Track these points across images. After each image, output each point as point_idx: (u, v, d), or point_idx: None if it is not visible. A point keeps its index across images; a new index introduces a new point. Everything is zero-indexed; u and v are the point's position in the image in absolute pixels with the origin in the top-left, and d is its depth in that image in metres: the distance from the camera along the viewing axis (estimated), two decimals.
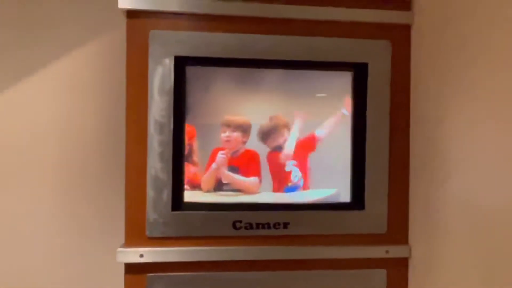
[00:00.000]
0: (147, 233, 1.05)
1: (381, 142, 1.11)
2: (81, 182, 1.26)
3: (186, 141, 1.09)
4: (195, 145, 1.11)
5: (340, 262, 1.11)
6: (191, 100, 1.10)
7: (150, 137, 1.04)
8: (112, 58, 1.24)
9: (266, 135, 1.13)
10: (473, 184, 0.88)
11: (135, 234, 1.05)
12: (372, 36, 1.11)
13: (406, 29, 1.12)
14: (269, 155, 1.14)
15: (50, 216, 1.25)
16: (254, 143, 1.13)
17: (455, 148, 0.94)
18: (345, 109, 1.13)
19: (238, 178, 1.13)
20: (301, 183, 1.14)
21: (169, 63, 1.05)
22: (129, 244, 1.05)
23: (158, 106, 1.05)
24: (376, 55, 1.11)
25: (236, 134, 1.12)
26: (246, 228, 1.07)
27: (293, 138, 1.13)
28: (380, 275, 1.12)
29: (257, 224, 1.08)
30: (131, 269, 1.05)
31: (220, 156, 1.11)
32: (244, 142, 1.12)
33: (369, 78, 1.11)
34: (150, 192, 1.05)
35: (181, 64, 1.07)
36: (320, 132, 1.14)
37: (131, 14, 1.04)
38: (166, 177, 1.05)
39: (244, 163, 1.13)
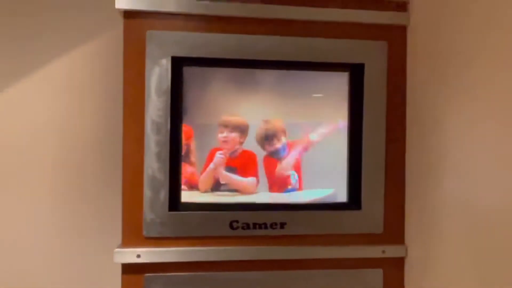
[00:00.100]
0: (144, 233, 1.05)
1: (377, 142, 1.11)
2: (79, 182, 1.25)
3: (184, 141, 1.09)
4: (193, 145, 1.11)
5: (337, 262, 1.11)
6: (188, 100, 1.10)
7: (147, 137, 1.05)
8: (109, 59, 1.24)
9: (263, 139, 1.13)
10: (469, 184, 0.88)
11: (132, 234, 1.05)
12: (368, 37, 1.11)
13: (402, 30, 1.13)
14: (265, 160, 1.14)
15: (47, 216, 1.25)
16: (251, 144, 1.13)
17: (451, 149, 0.94)
18: (342, 120, 1.13)
19: (236, 178, 1.13)
20: (297, 185, 1.15)
21: (166, 63, 1.05)
22: (126, 244, 1.05)
23: (155, 106, 1.05)
24: (373, 56, 1.11)
25: (234, 135, 1.12)
26: (243, 228, 1.08)
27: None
28: (376, 275, 1.12)
29: (254, 224, 1.08)
30: (128, 269, 1.05)
31: (218, 156, 1.11)
32: (242, 143, 1.13)
33: (366, 79, 1.11)
34: (147, 192, 1.05)
35: (178, 64, 1.07)
36: (314, 137, 1.14)
37: (128, 14, 1.04)
38: (163, 177, 1.05)
39: (242, 163, 1.13)
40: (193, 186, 1.11)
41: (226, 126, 1.12)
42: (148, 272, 1.05)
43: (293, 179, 1.14)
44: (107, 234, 1.21)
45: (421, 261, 1.06)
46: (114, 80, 1.20)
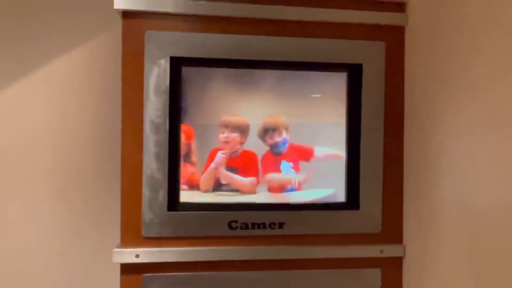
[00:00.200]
0: (143, 233, 1.05)
1: (375, 142, 1.12)
2: (77, 182, 1.25)
3: (185, 141, 1.10)
4: (193, 145, 1.12)
5: (335, 262, 1.11)
6: (188, 100, 1.10)
7: (146, 137, 1.05)
8: (108, 59, 1.24)
9: (265, 132, 1.13)
10: (467, 184, 0.89)
11: (131, 234, 1.05)
12: (366, 37, 1.12)
13: (400, 30, 1.13)
14: (264, 158, 1.14)
15: (46, 216, 1.24)
16: (251, 144, 1.13)
17: (449, 149, 0.95)
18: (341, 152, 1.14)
19: (237, 178, 1.13)
20: (296, 185, 1.15)
21: (164, 63, 1.05)
22: (125, 244, 1.05)
23: (154, 106, 1.05)
24: (371, 56, 1.12)
25: (235, 135, 1.12)
26: (241, 228, 1.08)
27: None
28: (374, 275, 1.13)
29: (253, 224, 1.08)
30: (127, 269, 1.05)
31: (220, 155, 1.11)
32: (242, 143, 1.13)
33: (364, 79, 1.11)
34: (146, 192, 1.05)
35: (177, 64, 1.07)
36: (319, 151, 1.14)
37: (127, 14, 1.04)
38: (162, 177, 1.05)
39: (243, 163, 1.13)
40: (193, 186, 1.12)
41: (226, 126, 1.12)
42: (147, 272, 1.05)
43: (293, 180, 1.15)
44: (106, 234, 1.21)
45: (419, 260, 1.07)
46: (113, 80, 1.20)
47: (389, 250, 1.13)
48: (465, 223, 0.88)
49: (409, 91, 1.12)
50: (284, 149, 1.14)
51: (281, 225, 1.09)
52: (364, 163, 1.12)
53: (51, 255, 1.25)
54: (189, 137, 1.11)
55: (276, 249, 1.09)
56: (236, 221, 1.08)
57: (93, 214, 1.26)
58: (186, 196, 1.10)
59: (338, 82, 1.15)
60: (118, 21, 1.06)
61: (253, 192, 1.13)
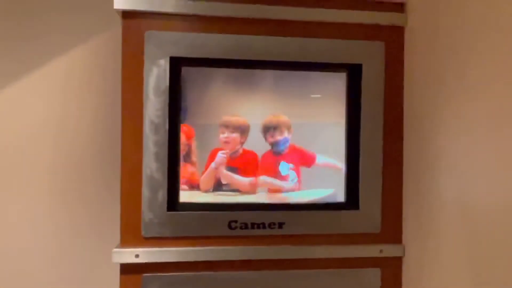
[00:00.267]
0: (143, 233, 1.05)
1: (375, 142, 1.12)
2: (77, 182, 1.25)
3: (185, 141, 1.10)
4: (194, 145, 1.12)
5: (335, 262, 1.12)
6: (188, 100, 1.11)
7: (146, 137, 1.05)
8: (108, 59, 1.24)
9: (266, 130, 1.13)
10: (466, 185, 0.89)
11: (131, 234, 1.05)
12: (366, 38, 1.12)
13: (399, 30, 1.13)
14: (264, 157, 1.14)
15: (45, 216, 1.24)
16: (252, 144, 1.13)
17: (448, 149, 0.95)
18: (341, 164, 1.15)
19: (237, 178, 1.13)
20: (296, 186, 1.15)
21: (164, 63, 1.05)
22: (124, 244, 1.05)
23: (154, 106, 1.05)
24: (370, 56, 1.12)
25: (235, 135, 1.12)
26: (241, 228, 1.08)
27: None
28: (374, 274, 1.13)
29: (252, 224, 1.08)
30: (126, 269, 1.05)
31: (220, 155, 1.12)
32: (242, 143, 1.13)
33: (363, 79, 1.11)
34: (145, 192, 1.05)
35: (177, 64, 1.07)
36: (320, 159, 1.15)
37: (127, 14, 1.04)
38: (161, 177, 1.05)
39: (243, 163, 1.13)
40: (194, 186, 1.12)
41: (227, 126, 1.12)
42: (147, 272, 1.05)
43: (292, 180, 1.15)
44: (106, 234, 1.21)
45: (419, 260, 1.07)
46: (113, 80, 1.20)
47: (389, 250, 1.13)
48: (465, 223, 0.89)
49: (409, 91, 1.12)
50: (284, 148, 1.14)
51: (280, 225, 1.09)
52: (364, 163, 1.12)
53: (51, 255, 1.25)
54: (189, 137, 1.11)
55: (276, 249, 1.09)
56: (236, 221, 1.08)
57: (93, 214, 1.26)
58: (186, 196, 1.10)
59: (338, 82, 1.15)
60: (118, 21, 1.06)
61: (253, 192, 1.14)
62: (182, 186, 1.10)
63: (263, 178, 1.14)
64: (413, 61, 1.10)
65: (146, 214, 1.05)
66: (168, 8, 1.05)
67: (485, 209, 0.82)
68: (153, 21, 1.05)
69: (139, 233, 1.05)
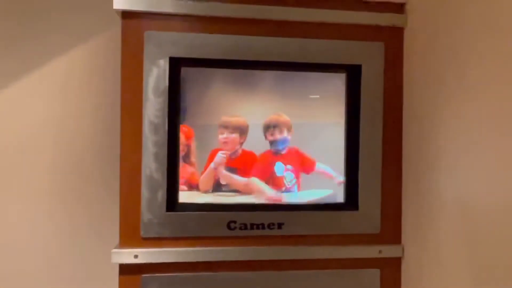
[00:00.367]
0: (142, 233, 1.05)
1: (374, 142, 1.12)
2: (76, 182, 1.25)
3: (184, 142, 1.10)
4: (193, 145, 1.12)
5: (334, 262, 1.12)
6: (188, 101, 1.11)
7: (145, 138, 1.05)
8: (107, 59, 1.24)
9: (268, 128, 1.14)
10: (465, 185, 0.89)
11: (130, 235, 1.05)
12: (365, 38, 1.12)
13: (399, 31, 1.13)
14: (262, 157, 1.14)
15: (45, 216, 1.24)
16: (251, 144, 1.13)
17: (448, 149, 0.95)
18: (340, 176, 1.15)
19: (236, 178, 1.13)
20: (295, 188, 1.15)
21: (164, 64, 1.05)
22: (123, 245, 1.05)
23: (153, 106, 1.05)
24: (370, 57, 1.12)
25: (234, 136, 1.12)
26: (240, 228, 1.08)
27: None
28: (373, 275, 1.13)
29: (252, 225, 1.08)
30: (125, 270, 1.05)
31: (220, 155, 1.11)
32: (242, 143, 1.13)
33: (363, 80, 1.12)
34: (144, 193, 1.05)
35: (176, 65, 1.07)
36: (319, 167, 1.15)
37: (126, 15, 1.05)
38: (161, 178, 1.05)
39: (242, 164, 1.13)
40: (193, 187, 1.12)
41: (226, 127, 1.12)
42: (146, 273, 1.05)
43: (289, 181, 1.15)
44: (105, 234, 1.21)
45: (418, 261, 1.07)
46: (112, 80, 1.20)
47: (388, 251, 1.13)
48: (464, 223, 0.88)
49: (408, 92, 1.12)
50: (283, 148, 1.14)
51: (280, 225, 1.09)
52: (363, 163, 1.12)
53: (50, 255, 1.25)
54: (188, 138, 1.11)
55: (275, 249, 1.09)
56: (235, 222, 1.08)
57: (92, 214, 1.25)
58: (185, 196, 1.10)
59: (337, 83, 1.15)
60: (118, 21, 1.06)
61: (252, 192, 1.13)
62: (182, 186, 1.10)
63: (254, 180, 1.13)
64: (413, 62, 1.10)
65: (145, 215, 1.05)
66: (167, 8, 1.05)
67: (485, 209, 0.82)
68: (152, 21, 1.05)
69: (138, 234, 1.05)
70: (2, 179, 1.23)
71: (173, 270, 1.06)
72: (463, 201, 0.89)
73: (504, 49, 0.77)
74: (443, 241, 0.96)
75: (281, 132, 1.13)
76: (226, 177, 1.13)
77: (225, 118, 1.13)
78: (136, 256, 1.04)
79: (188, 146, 1.11)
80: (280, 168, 1.14)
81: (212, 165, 1.12)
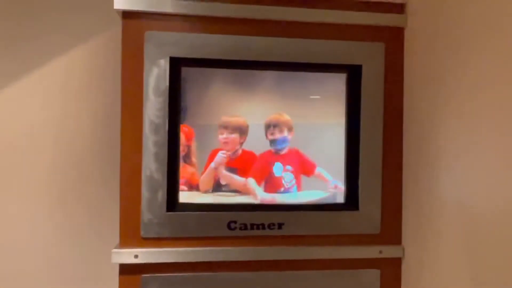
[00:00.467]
0: (142, 233, 1.05)
1: (374, 143, 1.12)
2: (76, 182, 1.25)
3: (185, 142, 1.10)
4: (193, 146, 1.12)
5: (334, 262, 1.11)
6: (188, 101, 1.11)
7: (145, 138, 1.05)
8: (108, 59, 1.24)
9: (268, 126, 1.14)
10: (465, 186, 0.89)
11: (130, 235, 1.05)
12: (366, 39, 1.12)
13: (399, 31, 1.14)
14: (261, 157, 1.14)
15: (45, 216, 1.24)
16: (251, 144, 1.13)
17: (448, 150, 0.95)
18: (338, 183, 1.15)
19: (236, 178, 1.13)
20: (293, 188, 1.15)
21: (164, 64, 1.05)
22: (123, 245, 1.05)
23: (153, 106, 1.05)
24: (370, 57, 1.12)
25: (234, 136, 1.12)
26: (240, 228, 1.08)
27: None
28: (373, 275, 1.13)
29: (252, 225, 1.08)
30: (125, 269, 1.05)
31: (221, 155, 1.11)
32: (242, 143, 1.13)
33: (363, 80, 1.12)
34: (145, 193, 1.05)
35: (176, 65, 1.07)
36: (318, 171, 1.15)
37: (127, 15, 1.05)
38: (161, 178, 1.05)
39: (242, 164, 1.13)
40: (193, 187, 1.12)
41: (226, 127, 1.12)
42: (146, 273, 1.05)
43: (288, 181, 1.15)
44: (105, 234, 1.21)
45: (418, 261, 1.07)
46: (112, 80, 1.20)
47: (388, 251, 1.13)
48: (464, 223, 0.88)
49: (408, 92, 1.12)
50: (283, 147, 1.14)
51: (280, 225, 1.09)
52: (363, 164, 1.12)
53: (50, 256, 1.25)
54: (189, 138, 1.11)
55: (275, 249, 1.09)
56: (235, 222, 1.08)
57: (92, 214, 1.25)
58: (185, 196, 1.10)
59: (338, 83, 1.15)
60: (118, 21, 1.06)
61: (252, 192, 1.13)
62: (182, 186, 1.10)
63: (249, 181, 1.13)
64: (413, 62, 1.10)
65: (146, 215, 1.05)
66: (168, 8, 1.05)
67: (485, 210, 0.82)
68: (153, 21, 1.05)
69: (139, 234, 1.05)
70: (2, 179, 1.23)
71: (173, 270, 1.06)
72: (463, 201, 0.89)
73: (504, 49, 0.77)
74: (443, 241, 0.96)
75: (281, 131, 1.13)
76: (226, 177, 1.13)
77: (225, 118, 1.13)
78: (136, 256, 1.04)
79: (188, 146, 1.11)
80: (278, 169, 1.14)
81: (212, 165, 1.12)
